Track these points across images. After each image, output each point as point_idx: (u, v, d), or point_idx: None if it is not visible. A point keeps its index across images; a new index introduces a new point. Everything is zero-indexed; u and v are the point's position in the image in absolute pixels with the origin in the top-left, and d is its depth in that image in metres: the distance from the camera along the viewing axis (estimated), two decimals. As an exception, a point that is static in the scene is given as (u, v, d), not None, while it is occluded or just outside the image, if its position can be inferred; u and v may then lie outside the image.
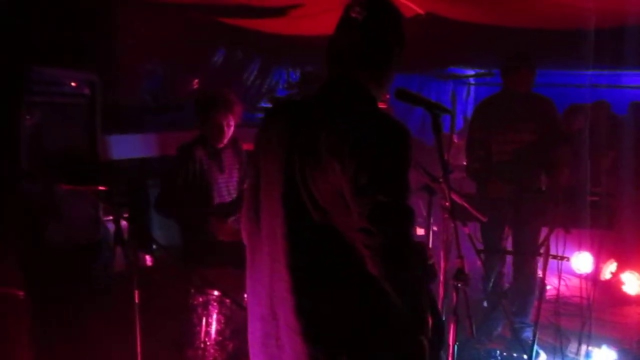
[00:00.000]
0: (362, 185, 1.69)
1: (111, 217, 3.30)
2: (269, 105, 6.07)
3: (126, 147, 4.78)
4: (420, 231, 5.09)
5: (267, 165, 1.94)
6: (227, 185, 3.96)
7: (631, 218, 5.50)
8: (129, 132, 4.84)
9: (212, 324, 3.29)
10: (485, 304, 4.86)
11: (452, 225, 2.26)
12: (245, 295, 2.07)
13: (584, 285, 4.68)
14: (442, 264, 3.04)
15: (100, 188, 3.05)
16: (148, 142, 5.06)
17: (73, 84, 3.60)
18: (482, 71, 8.97)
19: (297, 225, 1.82)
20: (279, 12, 4.34)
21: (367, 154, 1.71)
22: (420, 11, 4.32)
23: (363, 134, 1.74)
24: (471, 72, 9.28)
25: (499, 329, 4.75)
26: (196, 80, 5.35)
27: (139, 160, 4.88)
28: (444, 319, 3.00)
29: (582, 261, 5.85)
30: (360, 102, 1.87)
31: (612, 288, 5.82)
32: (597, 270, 5.62)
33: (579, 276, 5.36)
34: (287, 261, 1.83)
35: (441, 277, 3.07)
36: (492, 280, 4.61)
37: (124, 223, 2.96)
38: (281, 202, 1.84)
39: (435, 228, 4.14)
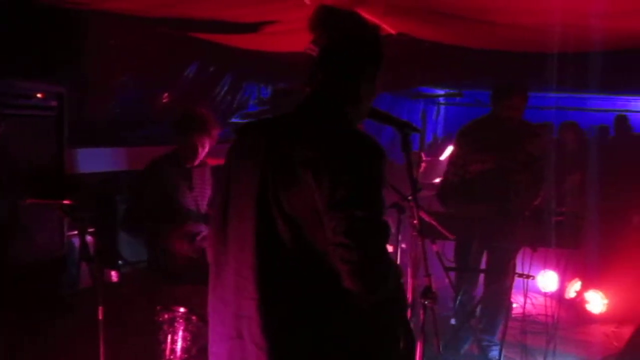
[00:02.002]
0: (338, 200, 1.69)
1: (77, 232, 3.25)
2: (240, 121, 6.06)
3: (95, 161, 4.72)
4: (389, 248, 5.12)
5: (237, 183, 1.93)
6: (196, 203, 3.93)
7: (595, 238, 5.61)
8: (98, 145, 4.78)
9: (178, 342, 3.24)
10: (453, 321, 4.89)
11: (421, 243, 2.28)
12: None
13: (549, 304, 4.74)
14: (410, 282, 3.06)
15: (66, 202, 3.01)
16: (117, 156, 5.00)
17: (40, 95, 3.55)
18: (452, 91, 9.12)
19: (267, 243, 1.81)
20: (252, 28, 4.35)
21: (343, 169, 1.71)
22: (392, 31, 4.37)
23: (339, 149, 1.75)
24: (441, 92, 9.42)
25: (467, 347, 4.78)
26: (167, 95, 5.31)
27: (108, 174, 4.82)
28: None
29: (547, 280, 5.93)
30: (335, 120, 1.88)
31: (576, 306, 5.92)
32: (562, 288, 5.71)
33: (545, 294, 5.43)
34: (255, 279, 1.81)
35: (409, 295, 3.09)
36: (461, 298, 4.65)
37: (89, 238, 2.92)
38: (252, 219, 1.83)
39: (404, 245, 4.17)
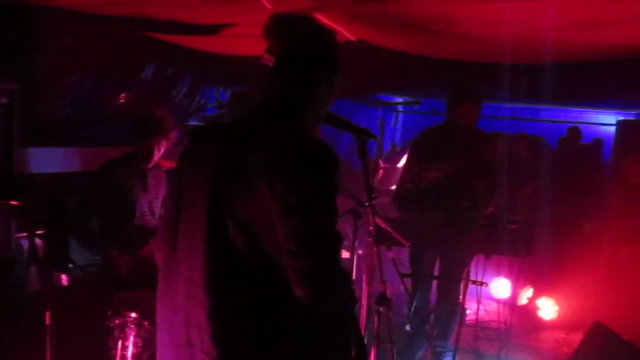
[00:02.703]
0: (290, 207, 1.68)
1: (26, 234, 3.16)
2: (198, 124, 6.00)
3: (46, 161, 4.61)
4: (346, 255, 5.13)
5: (190, 186, 1.89)
6: (150, 205, 3.88)
7: (547, 246, 5.74)
8: (50, 145, 4.67)
9: (129, 348, 3.18)
10: (408, 327, 4.92)
11: (376, 249, 2.29)
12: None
13: (502, 310, 4.82)
14: (365, 288, 3.07)
15: (14, 203, 2.92)
16: (70, 156, 4.90)
17: (-11, 92, 3.46)
18: (411, 99, 9.22)
19: (219, 250, 1.78)
20: (212, 30, 4.31)
21: (297, 176, 1.70)
22: (352, 38, 4.39)
23: (293, 156, 1.73)
24: (400, 100, 9.52)
25: (421, 353, 4.81)
26: (123, 95, 5.22)
27: (60, 175, 4.71)
28: (366, 343, 3.02)
29: (500, 287, 6.03)
30: (291, 126, 1.86)
31: (528, 313, 6.03)
32: (514, 295, 5.82)
33: (498, 301, 5.52)
34: (206, 286, 1.78)
35: (364, 302, 3.09)
36: (415, 304, 4.68)
37: (39, 240, 2.84)
38: (204, 225, 1.80)
39: (360, 252, 4.18)
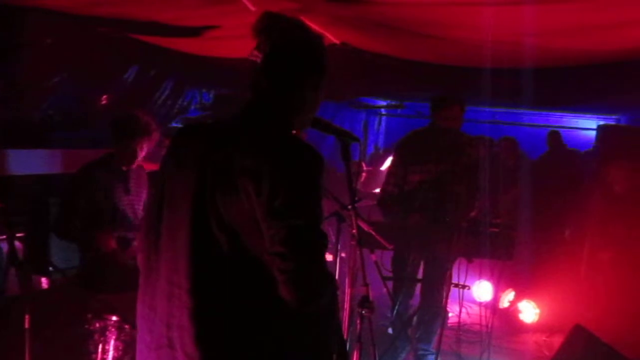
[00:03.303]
0: (276, 208, 1.68)
1: (5, 237, 3.11)
2: (180, 126, 5.97)
3: (27, 162, 4.56)
4: (328, 257, 5.12)
5: (173, 187, 1.88)
6: (132, 207, 3.85)
7: (528, 250, 5.79)
8: (30, 147, 4.61)
9: (110, 351, 3.14)
10: (390, 330, 4.92)
11: (359, 252, 2.29)
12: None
13: (484, 313, 4.85)
14: (348, 291, 3.07)
15: (-8, 205, 2.88)
16: (51, 158, 4.84)
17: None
18: (394, 102, 9.26)
19: (203, 251, 1.77)
20: (195, 32, 4.29)
21: (282, 178, 1.70)
22: (336, 41, 4.40)
23: (278, 158, 1.73)
24: (383, 103, 9.55)
25: (404, 356, 4.82)
26: (105, 97, 5.18)
27: (40, 177, 4.66)
28: (348, 346, 3.02)
29: (482, 290, 6.06)
30: (276, 128, 1.86)
31: (510, 316, 6.07)
32: (496, 298, 5.85)
33: (480, 304, 5.55)
34: (190, 287, 1.77)
35: (347, 304, 3.09)
36: (398, 307, 4.69)
37: (18, 243, 2.80)
38: (188, 227, 1.79)
39: (343, 254, 4.18)
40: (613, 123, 8.32)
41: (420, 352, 4.68)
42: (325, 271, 1.77)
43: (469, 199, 4.60)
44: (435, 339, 4.52)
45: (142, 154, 3.81)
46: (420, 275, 4.82)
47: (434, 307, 4.64)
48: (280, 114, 1.89)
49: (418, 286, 4.84)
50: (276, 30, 1.88)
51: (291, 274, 1.68)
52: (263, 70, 1.87)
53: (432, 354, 4.57)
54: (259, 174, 1.69)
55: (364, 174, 5.32)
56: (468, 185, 4.59)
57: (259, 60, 1.86)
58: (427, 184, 4.57)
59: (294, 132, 1.92)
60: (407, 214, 4.59)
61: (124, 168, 3.82)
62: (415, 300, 4.88)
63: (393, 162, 4.89)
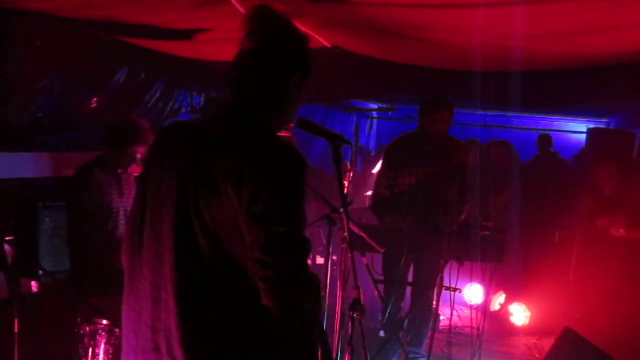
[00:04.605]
0: (256, 214, 1.66)
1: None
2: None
3: (15, 166, 4.53)
4: (320, 260, 5.12)
5: (156, 190, 1.86)
6: (125, 209, 3.86)
7: (519, 253, 5.80)
8: (19, 150, 4.58)
9: (100, 355, 3.12)
10: (382, 334, 4.92)
11: (350, 255, 2.29)
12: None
13: (475, 316, 4.85)
14: (339, 294, 3.06)
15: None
16: (40, 161, 4.81)
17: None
18: (385, 106, 9.28)
19: (187, 254, 1.75)
20: (185, 35, 4.28)
21: (263, 183, 1.68)
22: (327, 44, 4.40)
23: (260, 162, 1.71)
24: (374, 107, 9.57)
25: (394, 359, 4.82)
26: (95, 100, 5.15)
27: (29, 180, 4.63)
28: (339, 349, 3.01)
29: (473, 293, 6.07)
30: (258, 130, 1.83)
31: (500, 319, 6.09)
32: (487, 301, 5.86)
33: (471, 307, 5.56)
34: (175, 291, 1.76)
35: (338, 308, 3.09)
36: (389, 310, 4.69)
37: (7, 247, 2.79)
38: (171, 230, 1.77)
39: (335, 257, 4.18)
40: (603, 126, 8.38)
41: (412, 356, 4.68)
42: (307, 278, 1.75)
43: (459, 202, 4.61)
44: (427, 342, 4.52)
45: (139, 159, 3.84)
46: (411, 279, 4.82)
47: (425, 310, 4.64)
48: (263, 113, 1.87)
49: (409, 289, 4.84)
50: (264, 24, 1.86)
51: (271, 282, 1.66)
52: (249, 66, 1.85)
53: (424, 357, 4.57)
54: (240, 178, 1.67)
55: (351, 174, 5.31)
56: (458, 189, 4.60)
57: (248, 46, 1.84)
58: (416, 187, 4.58)
59: (275, 132, 1.90)
60: (398, 216, 4.59)
61: (119, 171, 3.86)
62: (407, 304, 4.88)
63: (383, 166, 4.90)
